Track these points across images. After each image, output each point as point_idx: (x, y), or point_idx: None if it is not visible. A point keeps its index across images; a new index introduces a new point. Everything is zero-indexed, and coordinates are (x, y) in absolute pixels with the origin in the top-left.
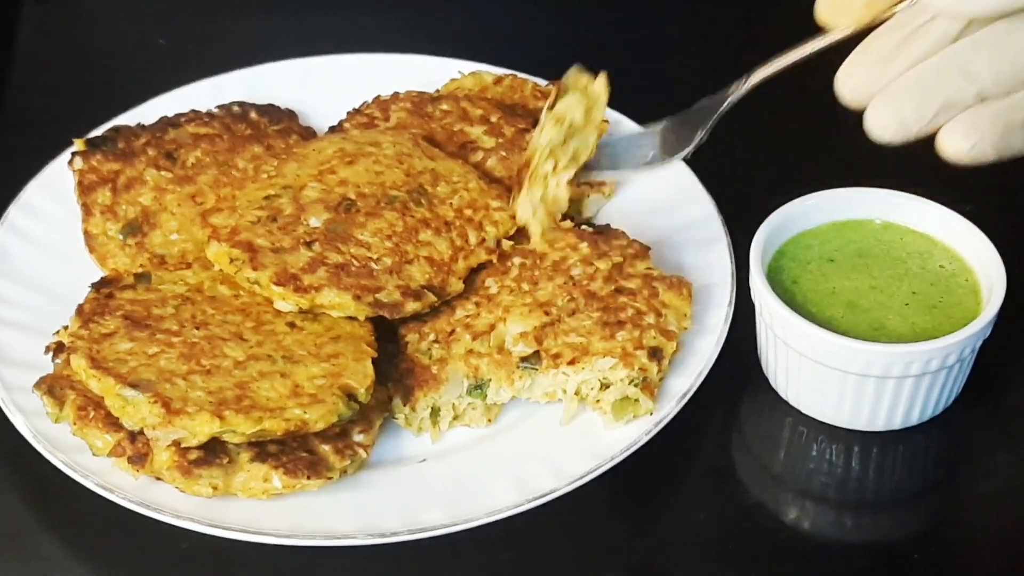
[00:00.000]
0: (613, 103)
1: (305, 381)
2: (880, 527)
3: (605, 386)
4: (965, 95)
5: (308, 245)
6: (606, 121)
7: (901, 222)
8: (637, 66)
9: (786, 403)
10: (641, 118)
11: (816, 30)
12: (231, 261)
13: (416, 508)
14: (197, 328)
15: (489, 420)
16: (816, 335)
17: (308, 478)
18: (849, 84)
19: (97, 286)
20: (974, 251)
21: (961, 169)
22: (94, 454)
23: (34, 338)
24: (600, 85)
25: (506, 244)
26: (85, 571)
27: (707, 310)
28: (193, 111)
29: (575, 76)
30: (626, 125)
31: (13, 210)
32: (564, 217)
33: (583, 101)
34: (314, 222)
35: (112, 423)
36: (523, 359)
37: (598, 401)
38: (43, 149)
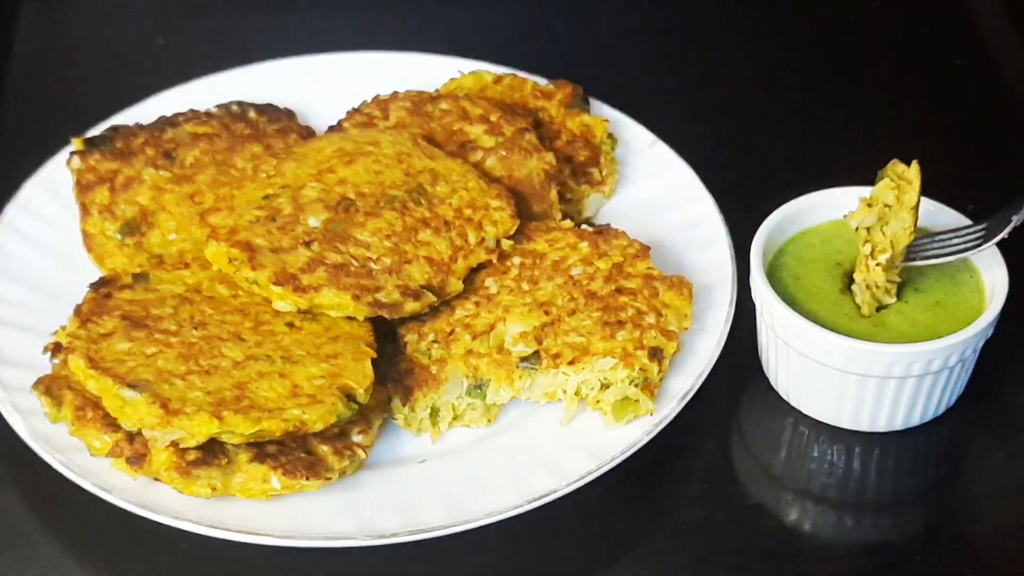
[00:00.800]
0: (613, 102)
1: (304, 381)
2: (880, 527)
3: (605, 386)
4: None
5: (307, 245)
6: (605, 120)
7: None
8: (637, 66)
9: (786, 403)
10: (642, 117)
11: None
12: (230, 261)
13: (416, 508)
14: (195, 328)
15: (489, 420)
16: (817, 335)
17: (307, 479)
18: None
19: (95, 286)
20: (976, 251)
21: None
22: (92, 454)
23: (32, 338)
24: (913, 171)
25: (506, 244)
26: (85, 571)
27: (707, 310)
28: (192, 110)
29: (891, 165)
30: (627, 124)
31: (11, 209)
32: (564, 217)
33: (894, 185)
34: (313, 222)
35: (110, 423)
36: (523, 359)
37: (598, 401)
38: (41, 148)
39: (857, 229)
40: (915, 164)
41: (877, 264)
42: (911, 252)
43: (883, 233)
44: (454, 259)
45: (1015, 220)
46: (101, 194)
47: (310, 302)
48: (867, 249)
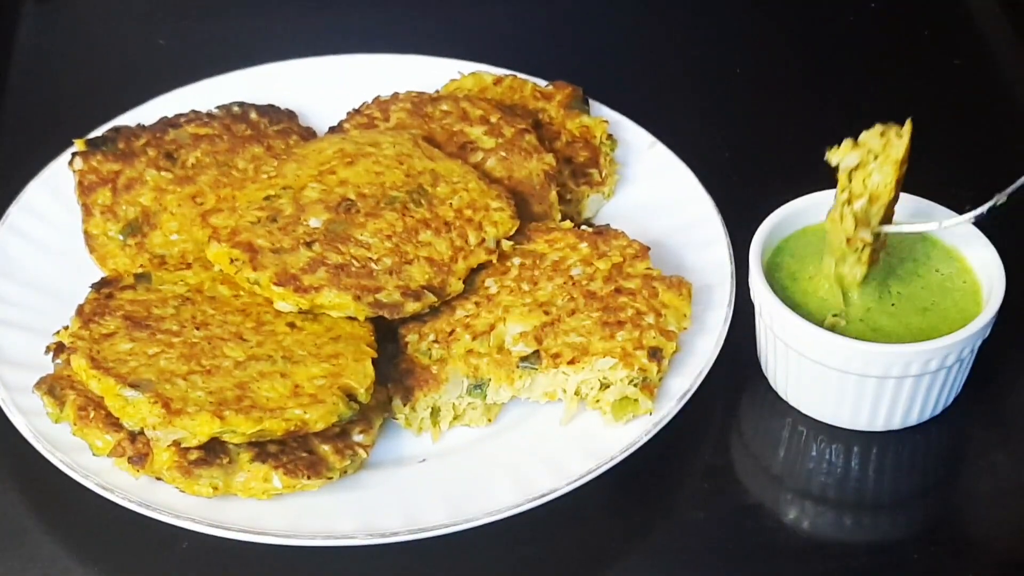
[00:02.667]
0: (613, 103)
1: (305, 381)
2: (879, 527)
3: (605, 386)
4: None
5: (308, 245)
6: (605, 121)
7: (900, 222)
8: (637, 66)
9: (786, 403)
10: (642, 118)
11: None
12: (231, 261)
13: (416, 508)
14: (197, 328)
15: (489, 420)
16: (816, 335)
17: (308, 478)
18: None
19: (97, 286)
20: (973, 252)
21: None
22: (94, 454)
23: (34, 338)
24: (905, 127)
25: (506, 244)
26: (85, 571)
27: (707, 310)
28: (193, 111)
29: (886, 125)
30: (626, 126)
31: (14, 210)
32: (564, 217)
33: (882, 132)
34: (314, 222)
35: (112, 423)
36: (523, 359)
37: (598, 401)
38: (43, 149)
39: (838, 170)
40: (908, 122)
41: (852, 212)
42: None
43: (864, 185)
44: (454, 259)
45: (995, 200)
46: (103, 195)
47: (311, 302)
48: (844, 196)
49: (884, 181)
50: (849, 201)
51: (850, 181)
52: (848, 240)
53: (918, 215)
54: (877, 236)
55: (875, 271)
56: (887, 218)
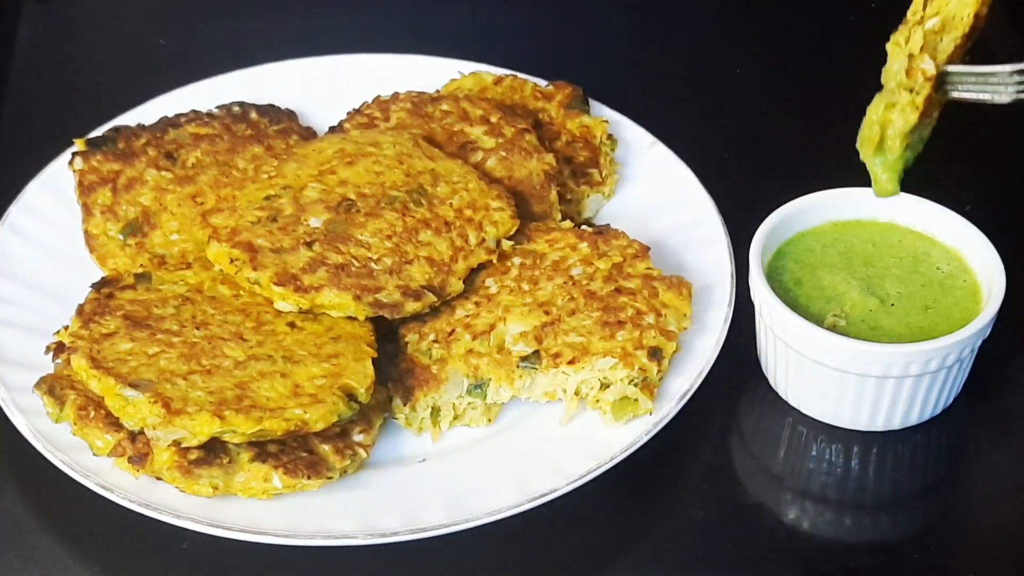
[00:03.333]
0: (613, 103)
1: (305, 381)
2: (880, 527)
3: (605, 386)
4: None
5: (308, 245)
6: (605, 121)
7: (901, 223)
8: (637, 66)
9: (786, 403)
10: (642, 118)
11: None
12: (231, 261)
13: (416, 508)
14: (197, 328)
15: (489, 420)
16: (816, 335)
17: (308, 478)
18: None
19: (97, 286)
20: (974, 251)
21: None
22: (94, 454)
23: (34, 338)
24: None
25: (506, 244)
26: (85, 571)
27: (707, 310)
28: (193, 111)
29: None
30: (626, 125)
31: (14, 210)
32: (564, 217)
33: None
34: (314, 222)
35: (112, 423)
36: (523, 358)
37: (598, 401)
38: (43, 149)
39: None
40: None
41: (923, 30)
42: (954, 82)
43: (938, 11)
44: (454, 259)
45: None
46: (103, 195)
47: (311, 302)
48: (916, 17)
49: (961, 12)
50: (921, 22)
51: (924, 9)
52: (908, 70)
53: (918, 215)
54: (940, 82)
55: (916, 142)
56: (954, 61)
